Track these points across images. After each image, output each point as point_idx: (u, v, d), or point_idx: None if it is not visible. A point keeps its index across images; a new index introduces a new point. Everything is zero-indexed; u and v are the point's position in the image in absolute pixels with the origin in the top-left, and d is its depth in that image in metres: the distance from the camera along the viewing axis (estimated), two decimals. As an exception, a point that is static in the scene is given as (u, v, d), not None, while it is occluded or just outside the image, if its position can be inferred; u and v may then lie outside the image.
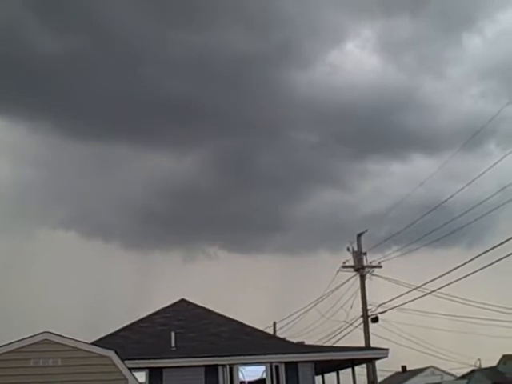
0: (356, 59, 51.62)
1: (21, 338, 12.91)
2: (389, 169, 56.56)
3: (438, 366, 47.81)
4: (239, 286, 48.42)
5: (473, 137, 24.91)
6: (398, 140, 52.26)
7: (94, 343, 15.78)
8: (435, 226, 25.14)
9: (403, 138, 51.21)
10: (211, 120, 48.79)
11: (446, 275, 23.44)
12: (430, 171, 31.10)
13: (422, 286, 25.76)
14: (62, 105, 45.93)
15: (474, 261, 21.55)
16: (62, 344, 12.85)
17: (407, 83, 49.18)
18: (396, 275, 28.11)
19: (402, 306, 27.15)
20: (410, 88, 49.30)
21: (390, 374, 49.88)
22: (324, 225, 54.32)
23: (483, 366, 45.38)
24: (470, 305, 25.38)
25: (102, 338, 20.77)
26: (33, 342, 12.79)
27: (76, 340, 13.05)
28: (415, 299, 26.44)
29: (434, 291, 25.12)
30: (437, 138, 49.39)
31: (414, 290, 26.26)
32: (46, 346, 12.79)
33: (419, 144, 52.02)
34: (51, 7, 40.76)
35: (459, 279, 22.70)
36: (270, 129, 50.06)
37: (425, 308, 27.33)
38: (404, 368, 54.10)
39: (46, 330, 12.91)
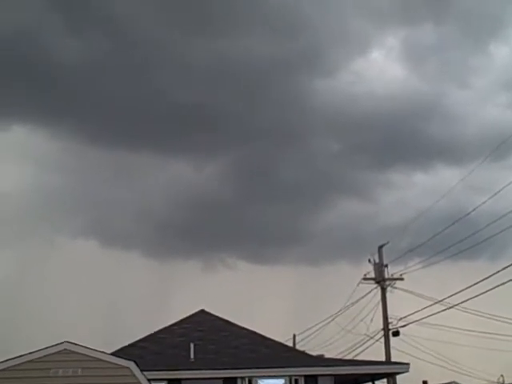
0: (380, 67, 51.38)
1: (40, 347, 12.89)
2: (412, 179, 55.87)
3: (459, 381, 47.03)
4: (259, 297, 48.14)
5: (498, 147, 24.54)
6: (421, 150, 51.60)
7: (114, 354, 15.72)
8: (458, 238, 24.85)
9: (427, 147, 50.57)
10: (231, 128, 48.75)
11: (469, 289, 23.14)
12: (454, 182, 30.79)
13: (444, 299, 25.44)
14: (84, 111, 46.15)
15: (497, 274, 21.23)
16: (82, 354, 12.81)
17: (431, 92, 48.73)
18: (418, 288, 27.80)
19: (424, 320, 26.82)
20: (435, 97, 48.83)
21: (410, 388, 49.23)
22: (345, 236, 53.88)
23: (506, 382, 44.59)
24: (492, 319, 25.00)
25: (121, 349, 20.72)
26: (52, 351, 12.76)
27: (96, 350, 13.01)
28: (437, 313, 26.11)
29: (456, 305, 24.80)
30: (462, 149, 48.70)
31: (436, 303, 25.95)
32: (66, 356, 12.76)
33: (443, 154, 51.35)
34: (74, 14, 41.17)
35: (482, 293, 22.37)
36: (291, 137, 49.81)
37: (447, 322, 26.94)
38: (425, 383, 53.44)
39: (66, 340, 12.87)
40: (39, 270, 45.19)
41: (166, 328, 23.43)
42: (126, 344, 21.73)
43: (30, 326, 37.77)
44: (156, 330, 23.26)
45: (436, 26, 49.12)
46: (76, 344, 12.86)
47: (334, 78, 49.15)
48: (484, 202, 23.42)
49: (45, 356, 12.73)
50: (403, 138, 49.93)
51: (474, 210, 24.01)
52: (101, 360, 12.84)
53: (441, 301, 25.54)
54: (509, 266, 20.50)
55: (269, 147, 51.58)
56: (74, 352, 12.78)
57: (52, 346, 12.82)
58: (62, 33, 41.49)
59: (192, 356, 20.26)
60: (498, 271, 21.07)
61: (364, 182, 54.00)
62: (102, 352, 13.15)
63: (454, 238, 25.41)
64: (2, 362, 12.64)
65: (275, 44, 43.73)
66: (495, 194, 22.65)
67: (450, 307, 25.09)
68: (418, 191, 52.76)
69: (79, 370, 12.66)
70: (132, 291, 46.35)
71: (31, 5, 39.76)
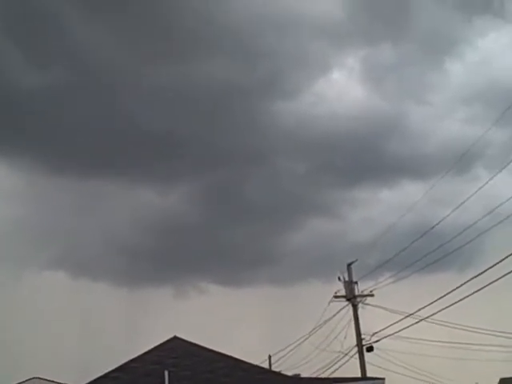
0: (341, 88, 52.32)
1: (10, 383, 12.65)
2: (377, 196, 56.81)
3: (435, 393, 47.30)
4: (232, 320, 47.94)
5: (458, 161, 25.12)
6: (385, 167, 52.67)
7: (86, 386, 15.49)
8: (426, 252, 25.16)
9: (390, 165, 51.64)
10: (195, 153, 49.03)
11: (439, 301, 23.37)
12: (419, 197, 31.36)
13: (414, 312, 25.61)
14: (43, 140, 45.97)
15: (466, 285, 21.50)
16: (52, 389, 12.60)
17: (391, 110, 49.88)
18: (389, 303, 28.01)
19: (397, 334, 26.98)
20: (395, 115, 50.01)
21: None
22: (315, 255, 54.23)
23: (481, 391, 44.94)
24: (464, 330, 25.24)
25: (93, 381, 20.40)
26: (22, 388, 12.53)
27: (66, 384, 12.80)
28: (409, 326, 26.24)
29: (426, 318, 24.98)
30: (424, 164, 49.83)
31: (407, 317, 26.11)
32: (36, 392, 12.54)
33: (407, 170, 52.49)
34: (31, 41, 40.95)
35: (451, 305, 22.59)
36: (256, 160, 50.36)
37: (419, 335, 27.14)
38: (402, 396, 53.56)
39: (35, 376, 12.65)
40: (7, 305, 44.29)
41: (138, 357, 23.12)
42: (99, 375, 21.37)
43: (0, 361, 36.95)
44: (128, 359, 22.96)
45: (394, 45, 50.32)
46: (45, 379, 12.65)
47: (296, 99, 49.86)
48: (448, 215, 23.83)
49: (14, 393, 12.49)
50: (367, 156, 50.86)
51: (439, 222, 24.38)
52: (72, 394, 12.65)
53: (412, 314, 25.74)
54: (475, 276, 20.77)
55: (235, 170, 52.00)
56: (44, 387, 12.56)
57: (22, 382, 12.60)
58: (21, 63, 41.26)
59: (167, 383, 20.02)
60: (466, 282, 21.32)
61: (331, 201, 54.70)
62: (73, 385, 12.96)
63: (422, 252, 25.75)
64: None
65: (237, 69, 44.35)
66: (458, 206, 23.06)
67: (421, 320, 25.28)
68: (384, 207, 53.63)
69: (50, 406, 12.44)
70: (103, 321, 45.75)
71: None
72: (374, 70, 51.93)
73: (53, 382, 12.50)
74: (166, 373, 20.30)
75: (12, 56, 41.02)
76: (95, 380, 20.63)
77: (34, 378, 12.58)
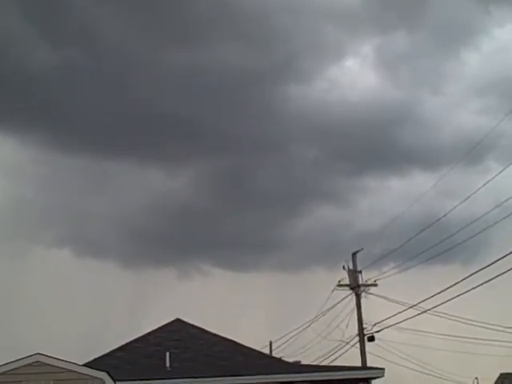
0: (354, 75, 51.91)
1: (12, 359, 12.75)
2: (387, 185, 56.42)
3: (435, 385, 47.46)
4: (235, 304, 48.11)
5: (469, 152, 24.89)
6: (396, 156, 52.13)
7: (87, 364, 15.61)
8: (432, 243, 25.09)
9: (402, 153, 51.08)
10: (207, 137, 48.71)
11: (443, 293, 23.38)
12: (428, 188, 31.19)
13: (417, 304, 25.68)
14: (53, 119, 45.90)
15: (470, 278, 21.47)
16: (54, 366, 12.70)
17: (405, 99, 49.33)
18: (392, 293, 28.02)
19: (399, 325, 27.04)
20: (408, 104, 49.49)
21: (387, 393, 49.49)
22: (321, 242, 54.10)
23: (481, 384, 45.08)
24: (466, 323, 25.27)
25: (95, 359, 20.52)
26: (24, 363, 12.64)
27: (68, 361, 12.89)
28: (411, 318, 26.34)
29: (429, 309, 25.02)
30: (436, 154, 49.22)
31: (409, 308, 26.18)
32: (38, 368, 12.63)
33: (418, 160, 51.89)
34: (45, 18, 40.85)
35: (455, 297, 22.64)
36: (266, 145, 50.04)
37: (421, 326, 27.20)
38: (401, 387, 53.77)
39: (38, 352, 12.75)
40: (13, 281, 44.61)
41: (141, 337, 23.26)
42: (101, 354, 21.54)
43: (2, 338, 37.27)
44: (131, 339, 23.10)
45: (408, 33, 49.83)
46: (48, 356, 12.74)
47: (309, 86, 49.57)
48: (455, 207, 23.73)
49: (16, 368, 12.60)
50: (378, 144, 50.47)
51: (446, 214, 24.31)
52: (73, 371, 12.74)
53: (415, 305, 25.79)
54: (479, 270, 20.77)
55: (245, 155, 51.79)
56: (46, 364, 12.66)
57: (24, 357, 12.70)
58: (36, 42, 41.21)
59: (168, 365, 20.15)
60: (470, 275, 21.34)
61: (340, 189, 54.44)
62: (74, 363, 13.04)
63: (428, 243, 25.69)
64: (-27, 375, 12.49)
65: (250, 54, 44.02)
66: (466, 198, 22.96)
67: (424, 312, 25.32)
68: (393, 197, 53.29)
69: (51, 382, 12.54)
70: (106, 301, 45.98)
71: (3, 12, 39.42)
72: (387, 59, 51.51)
73: (56, 358, 12.59)
74: (168, 354, 20.45)
75: (26, 34, 40.95)
76: (97, 358, 20.77)
77: (36, 353, 12.66)
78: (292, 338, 33.89)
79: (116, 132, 47.08)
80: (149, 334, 23.57)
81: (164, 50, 43.86)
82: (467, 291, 21.76)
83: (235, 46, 43.44)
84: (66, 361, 12.84)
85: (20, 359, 12.65)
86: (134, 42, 42.97)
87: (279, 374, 19.84)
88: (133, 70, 44.31)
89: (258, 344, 31.36)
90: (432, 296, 24.22)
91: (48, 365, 12.66)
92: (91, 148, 49.65)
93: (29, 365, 12.60)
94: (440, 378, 32.76)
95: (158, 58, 43.90)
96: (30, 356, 12.68)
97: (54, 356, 12.82)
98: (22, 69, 41.63)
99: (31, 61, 40.96)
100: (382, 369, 21.14)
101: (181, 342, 22.75)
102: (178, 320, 24.53)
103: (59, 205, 51.10)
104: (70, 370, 12.71)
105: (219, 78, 44.26)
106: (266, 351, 35.43)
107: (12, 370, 12.53)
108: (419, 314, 25.77)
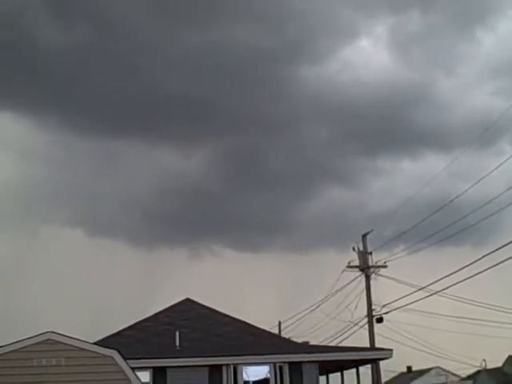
0: (367, 56, 51.47)
1: (24, 337, 12.94)
2: (399, 166, 56.12)
3: (443, 366, 47.62)
4: (244, 284, 48.39)
5: (482, 134, 24.64)
6: (409, 137, 51.72)
7: (98, 343, 15.80)
8: (444, 225, 24.99)
9: (414, 135, 50.67)
10: (219, 117, 48.61)
11: (452, 275, 23.36)
12: (441, 169, 30.92)
13: (427, 286, 25.68)
14: (68, 100, 45.93)
15: (480, 261, 21.42)
16: (66, 344, 12.87)
17: (418, 80, 48.84)
18: (402, 275, 28.03)
19: (407, 307, 27.08)
20: (422, 85, 48.94)
21: (395, 374, 49.75)
22: (331, 223, 54.15)
23: (488, 366, 45.20)
24: (475, 305, 25.27)
25: (106, 338, 20.79)
26: (36, 341, 12.81)
27: (79, 340, 13.07)
28: (420, 299, 26.35)
29: (439, 291, 25.03)
30: (450, 136, 48.82)
31: (419, 290, 26.19)
32: (50, 346, 12.81)
33: (431, 141, 51.50)
34: (61, 2, 40.76)
35: (464, 280, 22.59)
36: (278, 126, 49.87)
37: (430, 308, 27.23)
38: (409, 368, 53.90)
39: (50, 330, 12.92)
40: (26, 259, 45.09)
41: (151, 316, 23.52)
42: (112, 333, 21.80)
43: (16, 316, 37.74)
44: (141, 318, 23.35)
45: (422, 13, 49.25)
46: (59, 334, 12.92)
47: (322, 66, 49.25)
48: (467, 190, 23.62)
49: (29, 346, 12.77)
50: (391, 125, 50.19)
51: (458, 197, 24.19)
52: (84, 349, 12.90)
53: (424, 287, 25.80)
54: (490, 253, 20.72)
55: (257, 136, 51.71)
56: (57, 342, 12.83)
57: (36, 335, 12.88)
58: (48, 21, 41.14)
59: (177, 344, 20.38)
60: (480, 258, 21.29)
61: (352, 170, 54.29)
62: (85, 341, 13.21)
63: (440, 225, 25.61)
64: (-14, 351, 12.69)
65: (263, 34, 43.70)
66: (478, 181, 22.83)
67: (433, 293, 25.35)
68: (405, 178, 53.09)
69: (63, 360, 12.72)
70: (118, 280, 46.44)
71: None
72: (401, 39, 50.96)
73: (67, 336, 12.76)
74: (177, 333, 20.67)
75: (39, 13, 40.92)
76: (108, 337, 21.04)
77: (48, 331, 12.83)
78: (301, 318, 34.08)
79: (128, 113, 47.16)
80: (159, 313, 23.81)
81: (177, 30, 43.74)
82: (477, 274, 21.73)
83: (249, 26, 43.18)
84: (77, 339, 13.01)
85: (32, 337, 12.83)
86: (148, 23, 42.85)
87: (288, 354, 20.03)
88: (146, 51, 44.27)
89: (267, 324, 31.60)
90: (441, 278, 24.22)
91: (60, 343, 12.82)
92: (103, 129, 49.88)
93: (41, 342, 12.78)
94: (448, 359, 32.92)
95: (170, 39, 43.80)
96: (42, 334, 12.85)
97: (66, 334, 13.00)
98: (35, 48, 41.66)
99: (44, 41, 40.98)
100: (390, 350, 21.28)
101: (191, 321, 22.97)
102: (188, 300, 24.74)
103: (72, 185, 51.41)
104: (81, 348, 12.87)
105: (231, 58, 44.14)
106: (275, 331, 35.67)
107: (24, 347, 12.71)
108: (428, 296, 25.81)
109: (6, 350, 12.68)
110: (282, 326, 38.25)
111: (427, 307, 27.01)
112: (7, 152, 50.56)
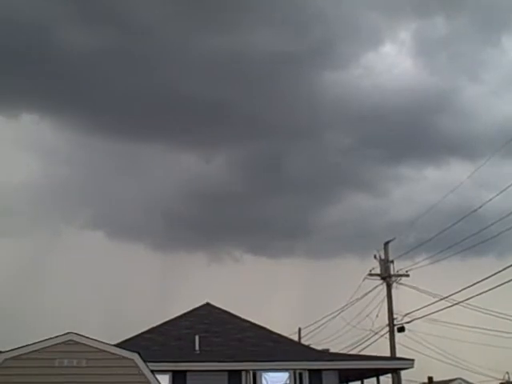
0: (391, 61, 51.12)
1: (45, 338, 12.97)
2: (423, 173, 55.44)
3: (465, 378, 46.99)
4: (265, 290, 48.22)
5: (508, 143, 24.26)
6: (433, 144, 50.95)
7: (118, 345, 15.80)
8: (466, 235, 24.68)
9: (439, 142, 49.89)
10: (240, 121, 48.57)
11: (475, 286, 23.05)
12: (465, 177, 30.46)
13: (449, 296, 25.36)
14: (92, 101, 46.21)
15: (504, 272, 21.12)
16: (87, 345, 12.89)
17: (443, 86, 48.22)
18: (424, 284, 27.69)
19: (429, 316, 26.76)
20: (446, 91, 48.31)
21: (415, 384, 49.21)
22: (352, 230, 53.66)
23: None
24: (499, 317, 24.92)
25: (126, 340, 20.82)
26: (58, 342, 12.86)
27: (100, 341, 13.07)
28: (442, 309, 26.04)
29: (462, 302, 24.69)
30: (475, 143, 48.09)
31: (441, 300, 25.87)
32: (71, 347, 12.85)
33: (456, 149, 50.69)
34: (84, 4, 41.05)
35: (487, 290, 22.28)
36: (299, 131, 49.61)
37: (453, 319, 26.86)
38: (430, 379, 53.20)
39: (71, 331, 12.94)
40: (46, 260, 45.36)
41: (171, 320, 23.53)
42: (132, 335, 21.83)
43: (36, 316, 37.98)
44: (161, 322, 23.36)
45: (447, 18, 48.81)
46: (81, 335, 12.94)
47: (344, 71, 49.00)
48: (491, 199, 23.28)
49: (50, 346, 12.82)
50: (415, 131, 49.58)
51: (481, 206, 23.85)
52: (105, 351, 12.91)
53: (447, 297, 25.48)
54: (514, 264, 20.39)
55: (278, 140, 51.51)
56: (79, 343, 12.87)
57: (58, 336, 12.91)
58: (71, 22, 41.42)
59: (197, 348, 20.35)
60: (504, 268, 20.97)
61: (374, 176, 53.76)
62: (107, 343, 13.21)
63: (463, 235, 25.28)
64: (9, 351, 12.74)
65: (286, 38, 43.54)
66: (503, 190, 22.51)
67: (456, 304, 25.01)
68: (428, 186, 52.44)
69: (84, 361, 12.74)
70: (138, 283, 46.54)
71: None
72: (425, 44, 50.52)
73: (89, 338, 12.78)
74: (197, 338, 20.63)
75: (64, 17, 41.28)
76: (128, 339, 21.06)
77: (70, 332, 12.86)
78: (321, 325, 33.86)
79: (150, 115, 47.30)
80: (179, 317, 23.82)
81: (199, 33, 43.80)
82: (501, 284, 21.42)
83: (271, 29, 43.06)
84: (98, 341, 13.03)
85: (54, 337, 12.87)
86: (171, 25, 42.99)
87: (308, 361, 19.88)
88: (167, 54, 44.39)
89: (287, 330, 31.44)
90: (464, 288, 23.91)
91: (81, 344, 12.86)
92: (125, 131, 50.06)
93: (62, 343, 12.82)
94: (471, 371, 32.46)
95: (193, 42, 43.86)
96: (64, 335, 12.89)
97: (87, 336, 13.02)
98: (59, 49, 41.98)
99: (68, 43, 41.30)
100: (412, 360, 21.01)
101: (210, 325, 22.93)
102: (208, 304, 24.72)
103: (94, 186, 51.70)
104: (103, 350, 12.89)
105: (253, 62, 44.07)
106: (295, 338, 35.49)
107: (46, 347, 12.76)
108: (451, 306, 25.48)
109: (28, 349, 12.74)
110: (302, 333, 38.07)
111: (450, 317, 26.69)
112: (32, 153, 51.08)
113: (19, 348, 12.75)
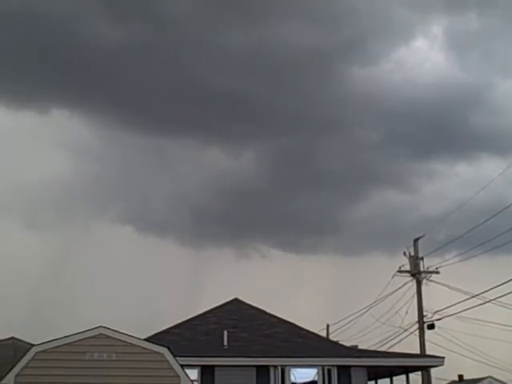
0: (423, 56, 50.56)
1: (76, 331, 13.11)
2: (454, 169, 54.82)
3: (496, 376, 46.38)
4: (292, 285, 48.22)
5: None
6: (464, 140, 50.38)
7: (148, 339, 15.88)
8: (498, 232, 24.30)
9: (471, 138, 49.29)
10: (269, 117, 48.42)
11: (507, 283, 22.71)
12: (496, 174, 29.92)
13: (480, 293, 25.02)
14: (121, 97, 46.56)
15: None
16: (117, 339, 13.00)
17: (474, 81, 47.62)
18: (454, 281, 27.37)
19: (460, 314, 26.44)
20: (478, 86, 47.68)
21: (445, 382, 48.72)
22: (382, 227, 53.27)
23: (543, 378, 43.83)
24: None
25: (155, 335, 20.94)
26: (89, 335, 12.99)
27: (130, 335, 13.16)
28: (473, 307, 25.70)
29: (493, 300, 24.36)
30: (507, 140, 47.46)
31: (472, 297, 25.54)
32: (102, 341, 12.97)
33: (487, 145, 50.05)
34: (114, 1, 41.27)
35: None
36: (329, 126, 49.38)
37: (484, 316, 26.50)
38: (461, 377, 52.65)
39: (101, 325, 13.06)
40: (77, 255, 45.92)
41: (199, 315, 23.60)
42: (160, 330, 21.95)
43: (66, 309, 38.48)
44: (190, 317, 23.46)
45: (479, 14, 48.08)
46: (111, 329, 13.04)
47: (375, 66, 48.59)
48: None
49: (81, 340, 12.96)
50: (446, 127, 49.00)
51: (514, 202, 23.45)
52: (135, 345, 13.00)
53: (477, 295, 25.14)
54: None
55: (307, 136, 51.30)
56: (109, 337, 12.98)
57: (88, 330, 13.04)
58: (101, 16, 41.66)
59: (225, 343, 20.37)
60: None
61: (404, 172, 53.31)
62: (136, 338, 13.30)
63: (494, 232, 24.90)
64: (40, 344, 12.91)
65: (316, 32, 43.26)
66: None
67: (487, 301, 24.66)
68: (459, 182, 51.88)
69: (114, 355, 12.84)
70: (167, 278, 46.84)
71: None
72: (457, 39, 49.86)
73: (118, 332, 12.90)
74: (225, 333, 20.66)
75: (94, 13, 41.55)
76: (157, 334, 21.18)
77: (100, 326, 12.99)
78: (350, 322, 33.69)
79: (179, 111, 47.51)
80: (207, 312, 23.88)
81: (228, 29, 43.79)
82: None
83: (301, 24, 42.78)
84: (128, 335, 13.12)
85: (84, 331, 13.01)
86: (199, 20, 43.00)
87: (337, 357, 19.78)
88: (197, 49, 44.44)
89: (315, 327, 31.28)
90: (496, 286, 23.57)
91: (111, 338, 12.97)
92: (155, 127, 50.36)
93: (93, 337, 12.96)
94: (501, 369, 32.01)
95: (222, 37, 43.84)
96: (94, 329, 13.02)
97: (117, 330, 13.12)
98: (89, 44, 42.29)
99: (98, 40, 41.58)
100: (442, 357, 20.77)
101: (239, 321, 22.94)
102: (236, 300, 24.74)
103: (124, 182, 52.18)
104: (132, 344, 12.98)
105: (282, 57, 43.87)
106: (323, 334, 35.37)
107: (77, 341, 12.91)
108: (482, 304, 25.14)
109: (59, 343, 12.90)
110: (330, 329, 37.92)
111: (480, 315, 26.33)
112: (62, 148, 51.66)
113: (50, 341, 12.91)
